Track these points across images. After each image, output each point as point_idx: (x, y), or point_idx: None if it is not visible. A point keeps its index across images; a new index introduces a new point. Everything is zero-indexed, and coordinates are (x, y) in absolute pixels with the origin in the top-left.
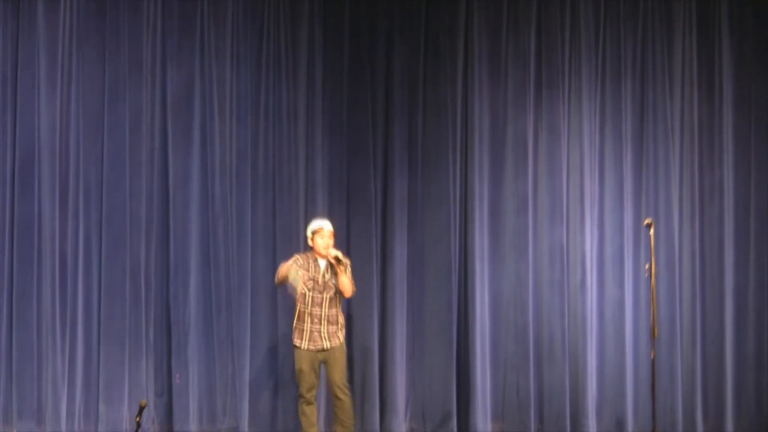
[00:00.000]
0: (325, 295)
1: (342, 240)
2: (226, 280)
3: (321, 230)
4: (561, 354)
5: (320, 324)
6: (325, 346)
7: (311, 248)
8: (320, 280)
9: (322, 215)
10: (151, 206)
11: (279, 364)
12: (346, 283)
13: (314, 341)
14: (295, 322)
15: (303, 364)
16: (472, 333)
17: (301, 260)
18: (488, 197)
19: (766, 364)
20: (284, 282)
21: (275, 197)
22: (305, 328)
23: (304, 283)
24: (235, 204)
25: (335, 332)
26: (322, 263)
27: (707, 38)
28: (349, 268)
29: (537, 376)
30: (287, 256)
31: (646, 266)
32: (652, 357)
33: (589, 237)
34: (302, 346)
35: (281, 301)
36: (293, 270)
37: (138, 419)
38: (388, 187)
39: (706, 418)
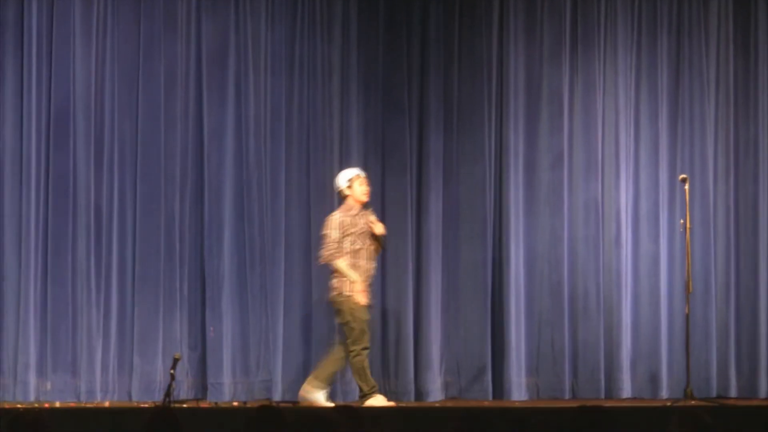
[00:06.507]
0: (371, 249)
1: (377, 196)
2: (260, 235)
3: (359, 177)
4: (596, 309)
5: (367, 279)
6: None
7: (343, 200)
8: (370, 233)
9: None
10: (185, 160)
11: (313, 318)
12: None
13: (367, 296)
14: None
15: (366, 317)
16: (506, 288)
17: (347, 220)
18: (523, 153)
19: None
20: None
21: (309, 152)
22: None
23: (358, 237)
24: (269, 159)
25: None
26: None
27: None
28: None
29: (571, 332)
30: (321, 211)
31: (681, 222)
32: (686, 312)
33: (624, 192)
34: (364, 301)
35: (315, 256)
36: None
37: (172, 372)
38: (423, 143)
39: (739, 373)
